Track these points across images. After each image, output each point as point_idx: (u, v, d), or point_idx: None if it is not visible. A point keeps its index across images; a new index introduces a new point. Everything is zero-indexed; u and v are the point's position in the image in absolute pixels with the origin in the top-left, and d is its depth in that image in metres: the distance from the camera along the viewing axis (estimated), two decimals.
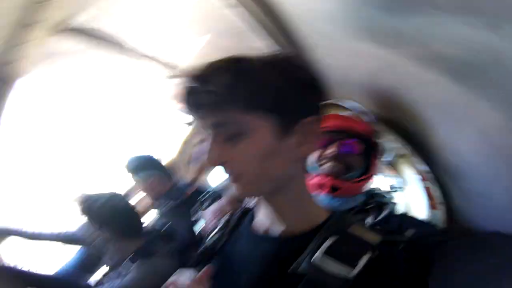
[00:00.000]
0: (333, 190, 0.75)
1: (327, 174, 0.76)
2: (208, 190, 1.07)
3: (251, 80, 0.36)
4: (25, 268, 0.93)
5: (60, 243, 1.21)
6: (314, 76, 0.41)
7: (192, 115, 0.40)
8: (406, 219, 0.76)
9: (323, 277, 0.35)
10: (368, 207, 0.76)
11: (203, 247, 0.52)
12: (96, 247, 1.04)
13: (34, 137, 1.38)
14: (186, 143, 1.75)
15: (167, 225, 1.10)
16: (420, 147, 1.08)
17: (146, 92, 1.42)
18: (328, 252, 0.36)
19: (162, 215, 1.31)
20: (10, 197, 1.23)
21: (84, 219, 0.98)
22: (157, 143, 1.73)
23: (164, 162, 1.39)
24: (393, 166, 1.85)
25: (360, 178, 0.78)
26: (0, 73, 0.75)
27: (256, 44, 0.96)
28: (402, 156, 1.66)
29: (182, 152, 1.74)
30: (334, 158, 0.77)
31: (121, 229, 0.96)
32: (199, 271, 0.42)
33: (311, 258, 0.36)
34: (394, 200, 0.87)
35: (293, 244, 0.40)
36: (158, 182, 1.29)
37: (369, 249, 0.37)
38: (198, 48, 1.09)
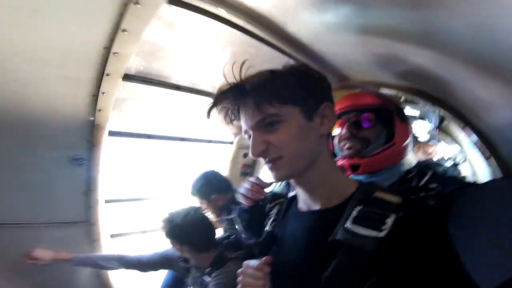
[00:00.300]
0: (354, 169, 0.75)
1: (344, 156, 0.78)
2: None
3: (282, 82, 0.49)
4: None
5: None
6: (322, 75, 0.53)
7: (241, 116, 0.50)
8: (445, 179, 0.70)
9: (358, 241, 0.41)
10: (410, 175, 0.73)
11: (262, 237, 0.60)
12: (180, 267, 1.20)
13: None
14: (234, 159, 1.95)
15: (233, 235, 1.23)
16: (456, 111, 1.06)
17: (200, 120, 1.63)
18: (357, 219, 0.43)
19: (227, 227, 1.42)
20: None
21: (165, 241, 1.10)
22: (213, 163, 1.93)
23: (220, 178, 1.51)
24: (442, 130, 1.72)
25: (382, 149, 0.75)
26: (95, 119, 1.05)
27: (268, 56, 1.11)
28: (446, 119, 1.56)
29: (232, 168, 1.94)
30: (347, 138, 0.78)
31: (200, 242, 1.08)
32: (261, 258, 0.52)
33: (345, 227, 0.43)
34: (448, 166, 0.84)
35: (329, 216, 0.47)
36: (217, 199, 1.39)
37: (394, 209, 0.42)
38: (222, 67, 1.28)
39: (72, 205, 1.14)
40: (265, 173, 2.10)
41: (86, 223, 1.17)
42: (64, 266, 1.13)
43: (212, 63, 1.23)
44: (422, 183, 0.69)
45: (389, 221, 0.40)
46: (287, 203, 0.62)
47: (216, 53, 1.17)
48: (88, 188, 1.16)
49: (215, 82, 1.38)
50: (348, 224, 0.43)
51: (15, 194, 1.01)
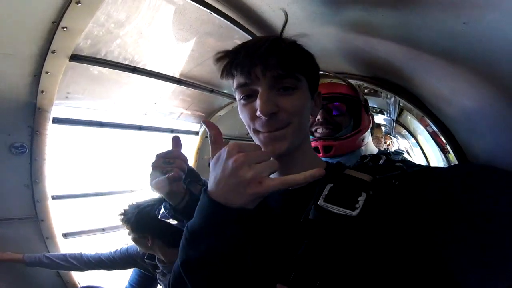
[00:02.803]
0: (327, 150, 0.91)
1: (318, 138, 0.93)
2: None
3: (307, 55, 0.54)
4: None
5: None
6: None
7: (254, 70, 0.48)
8: (403, 162, 0.83)
9: (331, 220, 0.42)
10: (366, 160, 0.81)
11: None
12: (146, 265, 1.20)
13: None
14: (200, 150, 1.96)
15: None
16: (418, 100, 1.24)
17: (158, 105, 1.60)
18: (329, 197, 0.44)
19: None
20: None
21: (133, 232, 1.09)
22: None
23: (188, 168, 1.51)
24: (399, 121, 1.97)
25: (351, 134, 0.93)
26: (37, 102, 0.98)
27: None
28: (405, 110, 1.79)
29: (198, 159, 1.95)
30: (322, 122, 0.94)
31: (174, 237, 1.02)
32: None
33: (316, 205, 0.44)
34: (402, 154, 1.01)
35: (301, 195, 0.49)
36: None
37: (365, 188, 0.44)
38: (188, 51, 1.28)
39: (16, 199, 1.08)
40: None
41: (34, 219, 1.11)
42: (19, 267, 1.09)
43: (181, 48, 1.22)
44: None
45: (361, 199, 0.42)
46: None
47: (187, 38, 1.16)
48: (32, 180, 1.09)
49: (184, 67, 1.36)
50: (321, 202, 0.44)
51: None
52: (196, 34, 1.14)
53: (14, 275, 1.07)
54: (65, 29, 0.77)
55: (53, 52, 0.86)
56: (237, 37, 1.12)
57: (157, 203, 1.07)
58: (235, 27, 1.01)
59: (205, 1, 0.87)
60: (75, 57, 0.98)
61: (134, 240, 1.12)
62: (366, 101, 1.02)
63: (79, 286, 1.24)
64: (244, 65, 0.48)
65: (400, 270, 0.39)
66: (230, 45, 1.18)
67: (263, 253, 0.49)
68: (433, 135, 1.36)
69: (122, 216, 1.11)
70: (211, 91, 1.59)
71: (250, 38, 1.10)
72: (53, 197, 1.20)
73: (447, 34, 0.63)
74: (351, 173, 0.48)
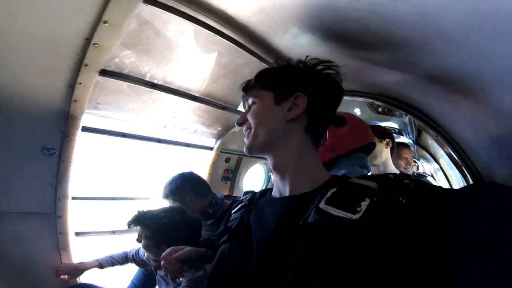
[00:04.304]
0: None
1: None
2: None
3: (268, 72, 0.68)
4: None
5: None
6: (302, 70, 0.64)
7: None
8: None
9: (330, 223, 0.41)
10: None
11: (230, 224, 0.65)
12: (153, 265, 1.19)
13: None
14: (214, 164, 2.02)
15: (209, 239, 1.21)
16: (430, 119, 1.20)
17: (177, 119, 1.71)
18: (331, 199, 0.44)
19: (206, 229, 1.41)
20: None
21: (147, 240, 1.09)
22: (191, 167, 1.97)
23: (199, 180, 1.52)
24: (420, 143, 1.87)
25: None
26: (70, 110, 1.11)
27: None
28: (423, 130, 1.71)
29: (212, 172, 2.01)
30: None
31: (181, 244, 1.04)
32: (232, 244, 0.59)
33: (317, 208, 0.44)
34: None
35: (301, 201, 0.50)
36: (193, 203, 1.39)
37: (369, 194, 0.43)
38: (203, 70, 1.39)
39: (39, 196, 1.16)
40: (247, 178, 2.17)
41: (52, 215, 1.19)
42: (27, 259, 1.14)
43: (197, 67, 1.33)
44: None
45: (364, 204, 0.41)
46: (261, 193, 0.69)
47: (202, 59, 1.28)
48: (57, 180, 1.19)
49: (198, 84, 1.48)
50: (322, 204, 0.44)
51: None
52: (209, 54, 1.25)
53: (15, 273, 1.12)
54: (96, 45, 0.90)
55: (86, 65, 1.00)
56: (244, 58, 1.20)
57: (173, 213, 1.12)
58: (239, 49, 1.10)
59: (211, 26, 0.98)
60: (104, 72, 1.12)
61: (146, 247, 1.11)
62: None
63: (78, 282, 1.28)
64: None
65: (398, 279, 0.37)
66: (239, 64, 1.30)
67: (260, 257, 0.50)
68: (453, 160, 1.28)
69: (136, 222, 1.12)
70: (224, 108, 1.67)
71: (254, 58, 1.18)
72: (73, 198, 1.28)
73: (457, 66, 0.65)
74: (356, 181, 0.48)
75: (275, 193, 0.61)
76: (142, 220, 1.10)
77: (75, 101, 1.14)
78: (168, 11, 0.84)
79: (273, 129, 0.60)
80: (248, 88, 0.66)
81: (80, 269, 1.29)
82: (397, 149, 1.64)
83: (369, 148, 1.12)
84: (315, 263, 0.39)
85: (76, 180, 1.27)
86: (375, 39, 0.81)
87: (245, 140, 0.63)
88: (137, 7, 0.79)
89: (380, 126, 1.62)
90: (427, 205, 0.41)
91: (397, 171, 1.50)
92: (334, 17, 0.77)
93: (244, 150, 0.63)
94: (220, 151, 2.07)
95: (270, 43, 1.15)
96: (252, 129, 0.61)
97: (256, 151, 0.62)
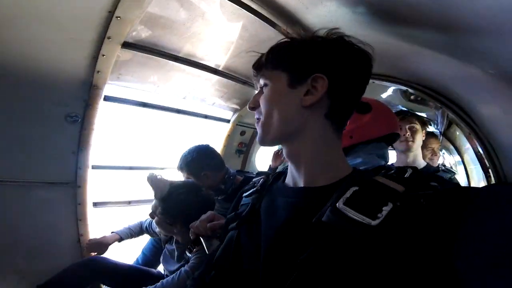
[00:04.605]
0: None
1: None
2: (252, 175, 1.22)
3: (280, 48, 0.54)
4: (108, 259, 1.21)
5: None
6: (326, 44, 0.51)
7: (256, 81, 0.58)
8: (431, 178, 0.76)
9: (345, 226, 0.38)
10: (391, 172, 0.80)
11: (242, 210, 0.59)
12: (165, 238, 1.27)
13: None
14: (230, 136, 2.03)
15: (221, 213, 1.27)
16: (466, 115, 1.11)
17: (196, 91, 1.68)
18: (350, 200, 0.40)
19: (218, 206, 1.43)
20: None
21: (163, 215, 1.11)
22: (208, 139, 1.98)
23: (214, 154, 1.51)
24: (447, 135, 1.78)
25: None
26: (93, 80, 1.11)
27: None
28: (454, 124, 1.61)
29: (227, 144, 2.03)
30: None
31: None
32: (241, 230, 0.56)
33: (334, 208, 0.40)
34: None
35: (316, 195, 0.46)
36: (207, 177, 1.40)
37: (393, 198, 0.38)
38: (225, 44, 1.31)
39: (61, 165, 1.21)
40: (260, 153, 2.17)
41: (72, 185, 1.23)
42: (45, 230, 1.20)
43: (217, 39, 1.25)
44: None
45: (386, 209, 0.37)
46: (274, 176, 0.62)
47: (223, 31, 1.20)
48: (79, 148, 1.23)
49: (219, 58, 1.41)
50: (340, 204, 0.40)
51: (6, 148, 1.08)
52: (232, 28, 1.17)
53: (34, 240, 1.17)
54: (118, 18, 0.85)
55: (108, 38, 0.97)
56: (269, 33, 1.11)
57: (189, 191, 1.12)
58: (265, 23, 1.01)
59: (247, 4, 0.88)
60: (126, 44, 1.09)
61: (159, 222, 1.14)
62: None
63: (92, 255, 1.30)
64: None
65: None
66: (263, 39, 1.21)
67: (267, 251, 0.48)
68: (479, 156, 1.21)
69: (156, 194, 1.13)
70: (244, 82, 1.62)
71: (280, 34, 1.08)
72: (93, 167, 1.33)
73: (497, 51, 0.56)
74: (381, 180, 0.42)
75: (288, 181, 0.55)
76: (159, 195, 1.10)
77: (98, 72, 1.13)
78: None
79: (288, 118, 0.51)
80: (259, 66, 0.55)
81: (104, 244, 1.32)
82: (429, 142, 1.56)
83: (392, 139, 1.05)
84: (322, 265, 0.37)
85: (96, 149, 1.30)
86: (425, 21, 0.70)
87: (257, 128, 0.55)
88: None
89: (419, 115, 1.51)
90: (443, 208, 0.37)
91: (424, 163, 1.45)
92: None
93: (257, 141, 0.56)
94: (237, 124, 2.06)
95: (300, 18, 1.04)
96: (263, 118, 0.52)
97: (269, 144, 0.55)
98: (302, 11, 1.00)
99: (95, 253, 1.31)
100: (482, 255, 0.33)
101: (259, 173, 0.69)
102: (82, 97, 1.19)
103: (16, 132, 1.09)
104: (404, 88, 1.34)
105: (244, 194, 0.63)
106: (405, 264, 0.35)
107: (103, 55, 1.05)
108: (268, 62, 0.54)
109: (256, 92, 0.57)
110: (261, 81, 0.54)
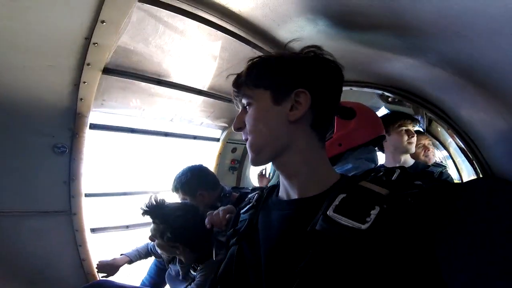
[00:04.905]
0: None
1: None
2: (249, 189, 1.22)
3: (259, 66, 0.56)
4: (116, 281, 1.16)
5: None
6: (304, 60, 0.54)
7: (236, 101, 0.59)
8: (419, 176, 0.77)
9: (338, 232, 0.40)
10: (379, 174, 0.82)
11: (240, 226, 0.61)
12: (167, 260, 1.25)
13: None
14: (221, 154, 2.03)
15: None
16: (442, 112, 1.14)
17: (183, 113, 1.70)
18: (339, 207, 0.42)
19: None
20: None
21: (164, 240, 1.10)
22: (199, 159, 1.98)
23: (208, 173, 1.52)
24: (430, 133, 1.81)
25: None
26: (77, 108, 1.11)
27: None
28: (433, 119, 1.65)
29: (219, 163, 2.02)
30: None
31: (198, 244, 1.10)
32: (241, 246, 0.56)
33: (325, 216, 0.42)
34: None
35: (309, 205, 0.48)
36: (203, 196, 1.40)
37: (379, 201, 0.41)
38: (207, 65, 1.35)
39: (53, 194, 1.19)
40: (253, 168, 2.15)
41: (68, 213, 1.22)
42: (45, 257, 1.18)
43: (198, 60, 1.30)
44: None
45: (374, 213, 0.40)
46: (268, 191, 0.65)
47: (203, 52, 1.24)
48: (70, 178, 1.21)
49: (202, 78, 1.45)
50: (330, 212, 0.42)
51: None
52: (211, 49, 1.21)
53: (35, 272, 1.15)
54: (96, 44, 0.88)
55: (88, 64, 0.99)
56: (248, 51, 1.16)
57: (187, 213, 1.11)
58: (242, 43, 1.06)
59: (212, 21, 0.93)
60: (107, 70, 1.11)
61: (160, 245, 1.13)
62: (340, 108, 0.99)
63: (99, 278, 1.31)
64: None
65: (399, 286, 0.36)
66: (242, 57, 1.26)
67: (266, 262, 0.49)
68: (461, 149, 1.23)
69: (151, 215, 1.11)
70: (230, 100, 1.65)
71: (258, 52, 1.13)
72: (86, 195, 1.31)
73: (452, 50, 0.59)
74: (366, 185, 0.45)
75: (282, 194, 0.58)
76: (157, 216, 1.11)
77: (81, 99, 1.14)
78: (165, 9, 0.80)
79: (276, 135, 0.53)
80: (239, 85, 0.57)
81: (115, 266, 1.34)
82: (420, 138, 1.57)
83: (379, 141, 1.07)
84: (321, 270, 0.39)
85: (88, 177, 1.29)
86: (385, 25, 0.74)
87: (248, 149, 0.56)
88: (133, 5, 0.76)
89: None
90: (428, 204, 0.40)
91: (412, 161, 1.46)
92: (341, 6, 0.71)
93: (251, 161, 0.57)
94: (227, 142, 2.07)
95: (274, 36, 1.10)
96: (251, 138, 0.54)
97: (263, 163, 0.57)
98: (274, 28, 1.05)
99: (104, 275, 1.32)
100: (463, 243, 0.36)
101: (254, 189, 0.72)
102: (68, 126, 1.19)
103: (3, 163, 1.07)
104: (379, 92, 1.38)
105: (242, 211, 0.65)
106: (396, 262, 0.37)
107: (85, 82, 1.07)
108: (249, 80, 0.55)
109: (239, 111, 0.59)
110: (244, 100, 0.56)
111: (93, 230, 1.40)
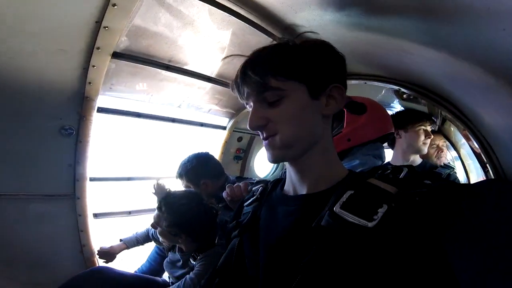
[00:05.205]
0: None
1: None
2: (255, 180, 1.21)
3: (290, 55, 0.49)
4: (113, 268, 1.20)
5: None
6: (337, 54, 0.52)
7: (243, 89, 0.51)
8: (426, 175, 0.77)
9: (344, 229, 0.39)
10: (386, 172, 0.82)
11: (243, 218, 0.60)
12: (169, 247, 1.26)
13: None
14: (227, 143, 2.01)
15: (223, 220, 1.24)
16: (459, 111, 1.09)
17: (191, 99, 1.67)
18: (347, 204, 0.41)
19: (222, 211, 1.38)
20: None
21: (168, 227, 1.09)
22: (205, 146, 1.97)
23: (214, 162, 1.51)
24: (442, 131, 1.76)
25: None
26: (85, 91, 1.10)
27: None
28: (448, 120, 1.61)
29: (224, 151, 2.01)
30: None
31: (202, 235, 1.10)
32: (243, 239, 0.56)
33: (332, 212, 0.41)
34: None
35: (315, 201, 0.47)
36: (207, 185, 1.38)
37: (387, 199, 0.40)
38: (217, 51, 1.31)
39: (58, 178, 1.19)
40: (258, 158, 2.14)
41: (71, 196, 1.22)
42: (46, 242, 1.19)
43: (209, 46, 1.25)
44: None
45: (381, 211, 0.38)
46: (272, 184, 0.63)
47: (214, 38, 1.19)
48: (75, 161, 1.21)
49: (212, 65, 1.40)
50: (337, 208, 0.41)
51: (3, 164, 1.07)
52: (223, 35, 1.16)
53: (36, 252, 1.16)
54: (106, 28, 0.85)
55: (97, 48, 0.96)
56: (259, 38, 1.11)
57: (191, 202, 1.10)
58: (255, 29, 1.00)
59: (226, 6, 0.88)
60: (116, 55, 1.08)
61: (162, 233, 1.13)
62: (350, 103, 0.97)
63: (96, 265, 1.31)
64: (237, 86, 0.52)
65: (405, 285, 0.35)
66: (254, 44, 1.21)
67: (270, 257, 0.49)
68: (475, 151, 1.20)
69: (160, 197, 1.11)
70: None
71: (271, 39, 1.08)
72: (91, 179, 1.32)
73: (483, 42, 0.54)
74: (374, 182, 0.44)
75: (288, 188, 0.56)
76: (161, 202, 1.10)
77: (90, 83, 1.12)
78: None
79: (312, 131, 0.49)
80: (258, 73, 0.48)
81: (112, 253, 1.35)
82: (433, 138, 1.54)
83: (387, 138, 1.06)
84: (325, 267, 0.38)
85: (93, 161, 1.29)
86: (410, 9, 0.68)
87: (267, 147, 0.51)
88: None
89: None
90: (436, 203, 0.39)
91: (420, 160, 1.44)
92: None
93: (269, 159, 0.51)
94: (233, 130, 2.05)
95: (288, 23, 1.04)
96: (283, 136, 0.48)
97: (287, 160, 0.53)
98: (291, 15, 1.00)
99: (104, 261, 1.34)
100: (467, 242, 0.35)
101: (258, 182, 0.70)
102: (75, 109, 1.17)
103: (10, 146, 1.07)
104: (396, 87, 1.33)
105: (245, 203, 0.64)
106: (403, 261, 0.36)
107: (94, 66, 1.04)
108: (277, 70, 0.48)
109: (249, 107, 0.51)
110: (269, 94, 0.48)
111: (95, 215, 1.41)
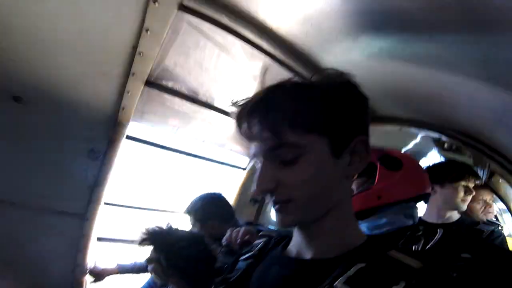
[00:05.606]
0: None
1: None
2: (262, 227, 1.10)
3: (310, 101, 0.39)
4: None
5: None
6: (363, 98, 0.42)
7: (250, 142, 0.41)
8: (467, 243, 0.61)
9: None
10: (418, 233, 0.68)
11: (233, 274, 0.52)
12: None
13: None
14: (244, 184, 1.90)
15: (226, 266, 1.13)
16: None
17: (214, 135, 1.67)
18: (353, 279, 0.34)
19: (223, 256, 1.28)
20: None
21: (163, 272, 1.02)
22: (221, 186, 1.90)
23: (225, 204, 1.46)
24: (489, 184, 1.48)
25: (359, 191, 0.80)
26: (118, 116, 1.14)
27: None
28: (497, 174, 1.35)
29: (240, 193, 1.89)
30: None
31: (195, 278, 1.01)
32: None
33: (333, 286, 0.34)
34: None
35: (318, 270, 0.38)
36: (213, 227, 1.32)
37: (407, 275, 0.32)
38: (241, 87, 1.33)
39: (75, 197, 1.20)
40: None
41: (81, 216, 1.21)
42: (43, 256, 1.16)
43: (238, 83, 1.30)
44: (431, 244, 0.59)
45: None
46: (277, 239, 0.54)
47: (243, 74, 1.24)
48: (95, 183, 1.22)
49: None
50: (339, 283, 0.33)
51: (26, 173, 1.11)
52: (251, 70, 1.19)
53: (27, 265, 1.14)
54: (141, 54, 0.92)
55: (133, 74, 1.03)
56: (285, 74, 1.11)
57: (192, 246, 1.03)
58: (281, 66, 1.01)
59: (249, 39, 0.92)
60: (149, 83, 1.15)
61: (155, 271, 1.04)
62: (385, 156, 0.87)
63: (84, 287, 1.29)
64: (242, 133, 0.42)
65: None
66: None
67: None
68: None
69: (152, 244, 1.05)
70: None
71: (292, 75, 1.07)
72: (106, 203, 1.31)
73: None
74: (394, 255, 0.36)
75: (292, 249, 0.47)
76: (159, 245, 1.04)
77: (123, 108, 1.18)
78: (203, 20, 0.80)
79: (331, 197, 0.41)
80: (272, 124, 0.38)
81: (101, 274, 1.35)
82: (479, 193, 1.32)
83: (422, 199, 0.93)
84: None
85: (112, 185, 1.30)
86: (457, 41, 0.60)
87: (277, 213, 0.41)
88: (173, 13, 0.77)
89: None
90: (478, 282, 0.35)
91: (458, 216, 1.22)
92: (403, 24, 0.60)
93: (279, 224, 0.42)
94: (253, 172, 1.96)
95: (317, 60, 1.03)
96: (298, 202, 0.39)
97: (303, 224, 0.43)
98: (318, 52, 0.99)
99: (92, 281, 1.34)
100: None
101: (263, 235, 0.61)
102: (106, 133, 1.21)
103: (37, 158, 1.12)
104: (437, 135, 1.18)
105: (241, 258, 0.56)
106: None
107: (128, 92, 1.11)
108: (296, 123, 0.38)
109: (260, 163, 0.40)
110: (284, 151, 0.38)
111: (99, 239, 1.38)
